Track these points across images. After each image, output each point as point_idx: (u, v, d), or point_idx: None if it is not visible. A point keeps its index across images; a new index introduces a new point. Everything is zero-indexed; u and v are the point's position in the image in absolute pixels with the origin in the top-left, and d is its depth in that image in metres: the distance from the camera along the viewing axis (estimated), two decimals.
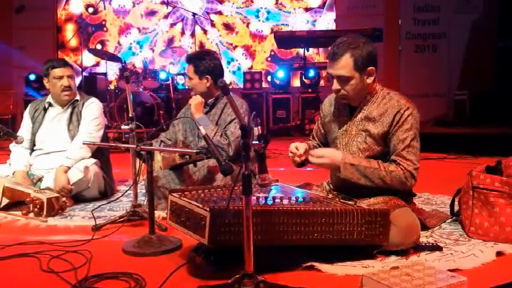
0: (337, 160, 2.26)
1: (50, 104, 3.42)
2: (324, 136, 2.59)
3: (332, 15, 8.50)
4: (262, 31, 8.67)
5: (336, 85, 2.31)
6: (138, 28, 8.71)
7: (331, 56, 2.30)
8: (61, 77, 3.32)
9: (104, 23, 8.74)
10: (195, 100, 3.12)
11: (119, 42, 8.70)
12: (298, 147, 2.40)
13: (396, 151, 2.26)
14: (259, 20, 8.67)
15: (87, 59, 8.28)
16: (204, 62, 3.11)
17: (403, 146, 2.25)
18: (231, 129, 3.00)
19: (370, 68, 2.27)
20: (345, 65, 2.25)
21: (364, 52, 2.24)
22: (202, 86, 3.12)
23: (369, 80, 2.30)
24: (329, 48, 2.36)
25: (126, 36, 8.72)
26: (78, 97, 3.43)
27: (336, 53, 2.26)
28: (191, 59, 3.20)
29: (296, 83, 8.23)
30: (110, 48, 8.59)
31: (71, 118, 3.36)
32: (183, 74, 7.76)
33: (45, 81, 3.39)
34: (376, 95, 2.35)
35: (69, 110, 3.39)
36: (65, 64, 3.42)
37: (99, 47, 8.59)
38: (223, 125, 3.07)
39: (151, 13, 8.73)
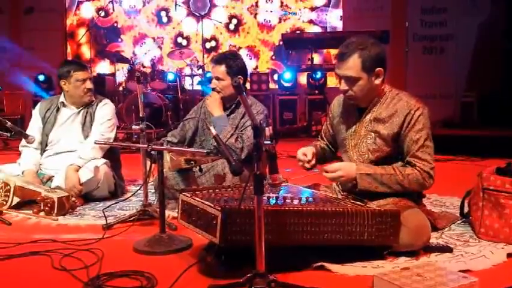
0: (352, 172, 2.25)
1: (63, 105, 3.43)
2: (333, 137, 2.59)
3: (338, 12, 8.48)
4: (270, 21, 8.65)
5: (343, 86, 2.31)
6: (153, 38, 8.74)
7: (339, 57, 2.29)
8: (84, 80, 3.35)
9: (115, 24, 8.78)
10: (213, 96, 3.04)
11: (133, 53, 8.73)
12: (305, 153, 2.40)
13: (411, 152, 2.26)
14: (266, 11, 8.63)
15: (102, 69, 8.33)
16: (237, 61, 2.99)
17: (418, 147, 2.25)
18: (248, 134, 2.91)
19: (378, 69, 2.27)
20: (352, 65, 2.24)
21: (372, 53, 2.24)
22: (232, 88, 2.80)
23: (377, 81, 2.29)
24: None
25: (141, 46, 8.75)
26: (92, 98, 3.46)
27: (344, 53, 2.26)
28: (223, 59, 3.01)
29: (303, 80, 8.20)
30: None
31: (85, 119, 3.38)
32: (191, 75, 7.77)
33: (62, 83, 3.37)
34: (384, 96, 2.35)
35: (84, 110, 3.41)
36: (85, 67, 3.46)
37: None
38: (241, 128, 2.99)
39: (163, 12, 8.70)
